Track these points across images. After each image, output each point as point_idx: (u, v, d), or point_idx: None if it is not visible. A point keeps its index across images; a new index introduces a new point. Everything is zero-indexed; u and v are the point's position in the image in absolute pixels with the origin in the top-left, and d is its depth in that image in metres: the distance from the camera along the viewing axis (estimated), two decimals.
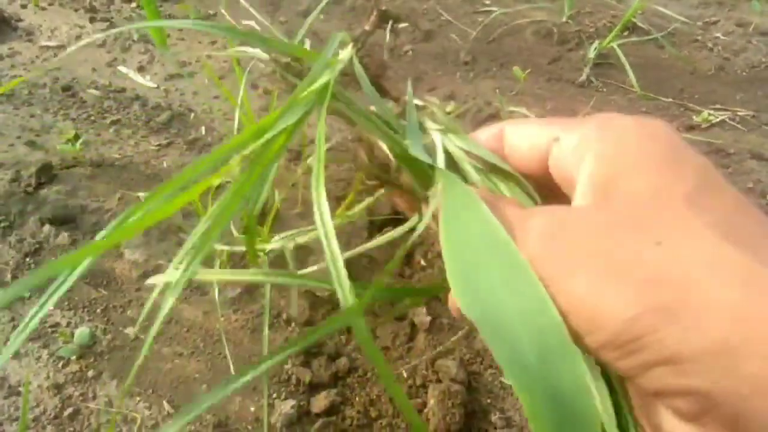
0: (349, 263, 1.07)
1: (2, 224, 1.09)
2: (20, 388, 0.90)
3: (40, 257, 1.05)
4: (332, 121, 1.40)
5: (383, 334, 0.97)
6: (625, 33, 1.74)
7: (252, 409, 0.88)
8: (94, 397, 0.89)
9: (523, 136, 0.33)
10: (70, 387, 0.89)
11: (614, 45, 1.64)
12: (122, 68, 1.54)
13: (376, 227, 1.14)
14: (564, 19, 1.83)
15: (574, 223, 0.27)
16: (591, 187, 0.28)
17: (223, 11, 1.76)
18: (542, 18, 1.80)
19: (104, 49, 1.60)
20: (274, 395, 0.90)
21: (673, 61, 1.71)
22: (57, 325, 0.97)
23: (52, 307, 0.97)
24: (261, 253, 1.03)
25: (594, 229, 0.26)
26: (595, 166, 0.28)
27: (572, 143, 0.30)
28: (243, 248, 1.05)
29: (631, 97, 1.56)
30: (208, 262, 1.04)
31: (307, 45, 0.50)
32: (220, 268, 1.02)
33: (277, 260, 0.99)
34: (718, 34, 1.82)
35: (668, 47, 1.72)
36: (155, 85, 1.49)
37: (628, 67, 1.59)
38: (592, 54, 1.64)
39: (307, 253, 1.08)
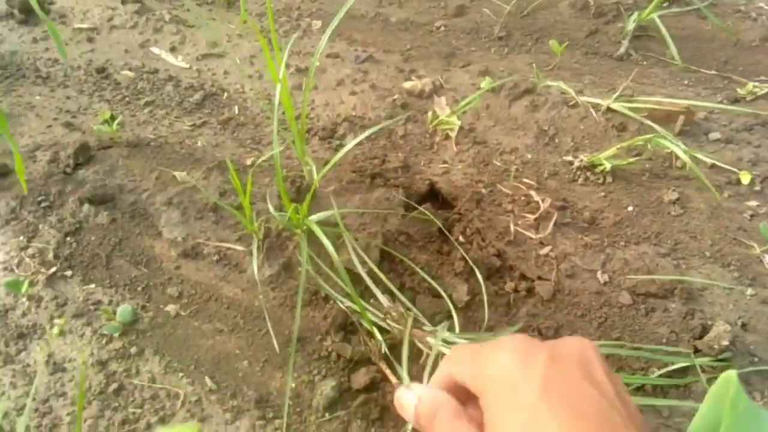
0: (386, 240, 1.05)
1: (42, 204, 1.10)
2: (66, 365, 0.91)
3: (80, 236, 1.06)
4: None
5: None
6: (665, 4, 1.68)
7: (293, 385, 0.88)
8: (138, 373, 0.89)
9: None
10: (114, 363, 0.90)
11: (654, 16, 1.58)
12: (154, 49, 1.54)
13: (411, 205, 1.12)
14: None
15: None
16: None
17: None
18: None
19: (136, 30, 1.59)
20: (315, 372, 0.90)
21: (715, 32, 1.64)
22: (99, 302, 0.98)
23: (93, 285, 0.98)
24: (299, 231, 1.02)
25: None
26: None
27: None
28: (279, 225, 1.04)
29: (673, 70, 1.51)
30: (246, 239, 1.04)
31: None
32: (257, 246, 1.01)
33: (312, 237, 0.98)
34: (762, 4, 1.74)
35: (710, 18, 1.66)
36: (187, 66, 1.49)
37: (669, 38, 1.53)
38: (630, 26, 1.59)
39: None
